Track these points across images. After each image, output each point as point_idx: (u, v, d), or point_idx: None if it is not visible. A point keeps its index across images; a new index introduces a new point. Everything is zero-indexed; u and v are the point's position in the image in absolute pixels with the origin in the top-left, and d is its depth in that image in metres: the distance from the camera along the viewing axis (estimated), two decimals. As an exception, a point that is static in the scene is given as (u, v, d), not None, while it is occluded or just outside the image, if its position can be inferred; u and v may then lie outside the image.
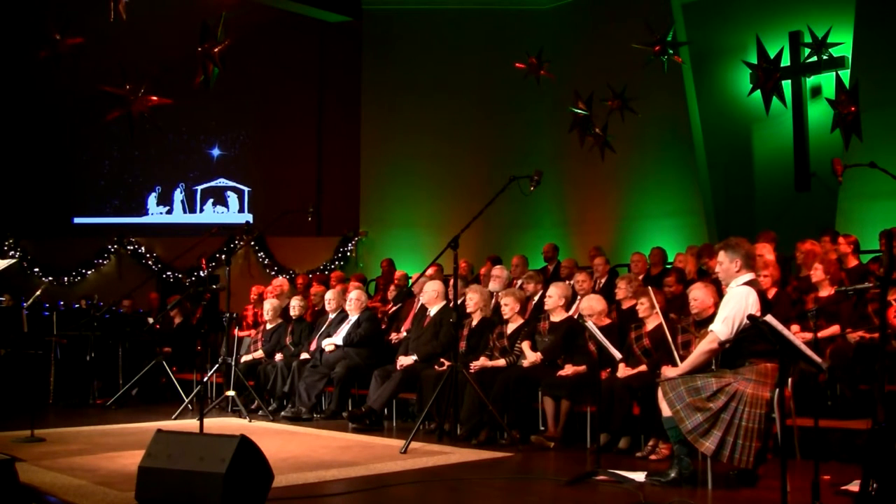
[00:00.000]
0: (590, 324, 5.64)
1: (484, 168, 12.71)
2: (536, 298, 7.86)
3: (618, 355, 5.85)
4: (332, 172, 14.61)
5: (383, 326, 8.95)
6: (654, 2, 11.53)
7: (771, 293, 6.32)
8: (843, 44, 10.12)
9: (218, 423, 7.52)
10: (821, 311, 6.01)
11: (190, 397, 8.48)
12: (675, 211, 11.53)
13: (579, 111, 10.39)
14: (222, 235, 13.00)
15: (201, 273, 12.52)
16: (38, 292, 8.47)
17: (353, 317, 8.43)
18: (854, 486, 4.12)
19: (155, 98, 9.46)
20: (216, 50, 8.78)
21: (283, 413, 8.11)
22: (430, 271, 8.92)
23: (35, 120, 14.17)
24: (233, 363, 8.36)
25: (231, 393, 8.26)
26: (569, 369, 6.43)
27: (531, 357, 6.80)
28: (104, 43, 10.97)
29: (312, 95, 14.83)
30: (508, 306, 7.15)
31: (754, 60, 10.42)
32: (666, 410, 4.78)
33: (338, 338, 8.33)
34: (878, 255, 7.58)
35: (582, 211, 12.66)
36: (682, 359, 5.10)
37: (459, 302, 7.44)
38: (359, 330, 8.27)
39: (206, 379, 8.68)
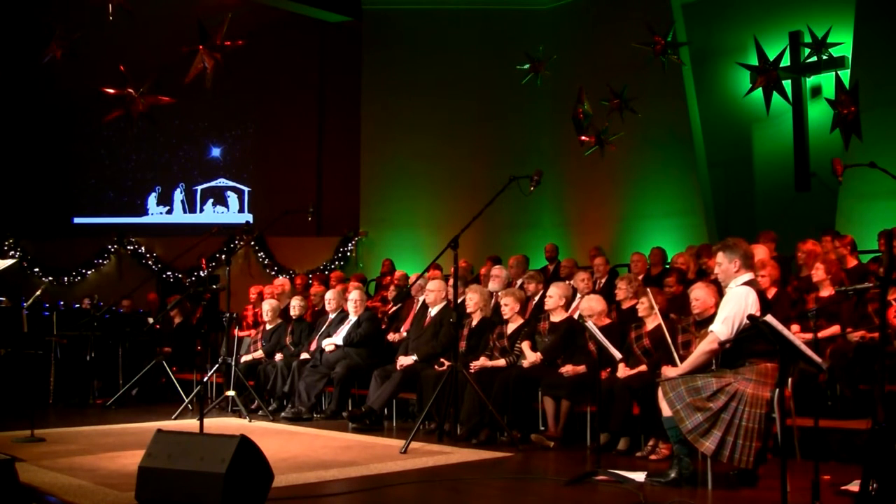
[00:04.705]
0: (590, 324, 5.64)
1: (484, 168, 12.71)
2: (536, 298, 7.86)
3: (618, 355, 5.85)
4: (332, 172, 14.62)
5: (383, 326, 8.95)
6: (654, 2, 11.53)
7: (771, 293, 6.32)
8: (843, 44, 10.13)
9: (218, 423, 7.52)
10: (821, 311, 6.01)
11: (190, 397, 8.48)
12: (675, 211, 11.54)
13: (586, 112, 10.41)
14: (222, 235, 13.00)
15: (201, 273, 12.52)
16: (38, 292, 8.47)
17: (353, 317, 8.43)
18: (854, 486, 4.12)
19: (155, 98, 9.48)
20: (204, 48, 8.80)
21: (283, 413, 8.11)
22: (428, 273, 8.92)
23: (35, 120, 14.18)
24: (233, 363, 8.36)
25: (231, 393, 8.25)
26: (569, 369, 6.43)
27: (531, 357, 6.80)
28: (104, 43, 10.98)
29: (312, 95, 14.84)
30: (508, 306, 7.15)
31: (754, 61, 10.44)
32: (666, 410, 4.78)
33: (338, 338, 8.33)
34: (878, 255, 7.58)
35: (582, 211, 12.67)
36: (682, 359, 5.10)
37: (459, 302, 7.44)
38: (359, 330, 8.27)
39: (206, 379, 8.67)
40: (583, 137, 10.76)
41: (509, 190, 6.83)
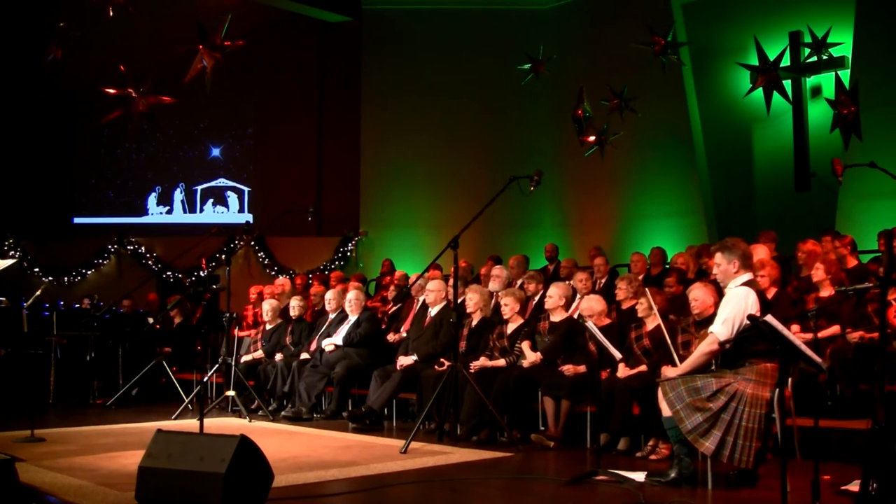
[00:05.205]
0: (590, 324, 5.64)
1: (484, 168, 12.71)
2: (536, 298, 7.86)
3: (618, 355, 5.85)
4: (332, 172, 14.62)
5: (383, 326, 8.95)
6: (654, 2, 11.53)
7: (771, 293, 6.32)
8: (843, 44, 10.12)
9: (218, 423, 7.52)
10: (821, 311, 6.01)
11: (190, 397, 8.48)
12: (675, 211, 11.53)
13: (587, 112, 10.41)
14: (222, 235, 13.00)
15: (201, 273, 12.52)
16: (38, 292, 8.46)
17: (352, 317, 8.43)
18: (854, 486, 4.12)
19: (156, 98, 9.48)
20: (204, 47, 8.79)
21: (283, 413, 8.11)
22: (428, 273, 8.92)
23: (35, 120, 14.17)
24: (233, 363, 8.36)
25: (231, 393, 8.26)
26: (569, 369, 6.43)
27: (531, 357, 6.80)
28: (104, 43, 10.98)
29: (312, 95, 14.83)
30: (508, 306, 7.15)
31: (754, 61, 10.43)
32: (666, 410, 4.78)
33: (338, 338, 8.33)
34: (878, 255, 7.58)
35: (582, 211, 12.66)
36: (682, 359, 5.10)
37: (459, 302, 7.44)
38: (359, 330, 8.27)
39: (206, 379, 8.68)
40: (585, 137, 10.76)
41: (509, 190, 6.83)
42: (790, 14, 10.80)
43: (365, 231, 13.49)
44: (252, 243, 13.61)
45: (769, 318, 3.98)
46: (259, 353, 9.10)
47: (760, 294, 4.86)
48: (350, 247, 13.49)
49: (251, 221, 13.86)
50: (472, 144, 13.17)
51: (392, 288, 9.78)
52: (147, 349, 9.85)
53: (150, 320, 10.20)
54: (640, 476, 4.98)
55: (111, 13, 8.28)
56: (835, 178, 9.20)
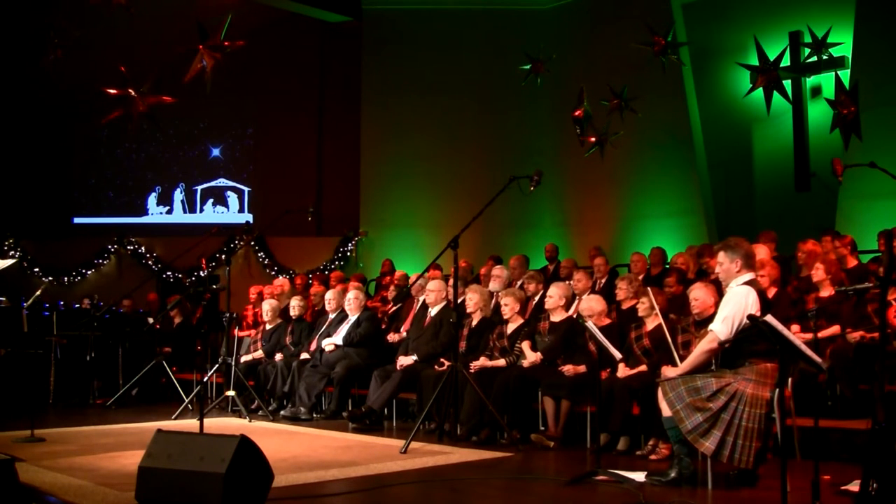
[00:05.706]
0: (590, 324, 5.64)
1: (484, 168, 12.71)
2: (536, 298, 7.86)
3: (618, 355, 5.85)
4: (332, 172, 14.62)
5: (383, 326, 8.95)
6: (654, 2, 11.53)
7: (771, 293, 6.32)
8: (843, 44, 10.12)
9: (218, 423, 7.52)
10: (821, 311, 6.01)
11: (190, 397, 8.48)
12: (675, 211, 11.53)
13: (587, 112, 10.41)
14: (222, 235, 13.00)
15: (201, 273, 12.52)
16: (38, 292, 8.46)
17: (352, 317, 8.43)
18: (854, 486, 4.12)
19: (155, 98, 9.47)
20: (204, 47, 8.79)
21: (283, 413, 8.11)
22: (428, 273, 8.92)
23: (35, 120, 14.17)
24: (233, 363, 8.36)
25: (231, 393, 8.26)
26: (569, 369, 6.43)
27: (531, 357, 6.80)
28: (104, 43, 10.98)
29: (312, 95, 14.83)
30: (508, 306, 7.15)
31: (754, 61, 10.43)
32: (666, 410, 4.78)
33: (338, 338, 8.33)
34: (878, 255, 7.58)
35: (582, 211, 12.66)
36: (682, 359, 5.10)
37: (459, 302, 7.44)
38: (358, 330, 8.27)
39: (206, 379, 8.68)
40: (585, 137, 10.75)
41: (509, 190, 6.83)
42: (790, 14, 10.80)
43: (365, 231, 13.49)
44: (252, 243, 13.61)
45: (769, 317, 3.98)
46: (259, 353, 9.10)
47: (761, 294, 4.86)
48: (350, 247, 13.49)
49: (251, 221, 13.86)
50: (472, 144, 13.17)
51: (392, 288, 9.78)
52: (147, 349, 9.85)
53: (150, 320, 10.20)
54: (640, 476, 4.98)
55: (112, 7, 8.28)
56: (835, 178, 9.20)
